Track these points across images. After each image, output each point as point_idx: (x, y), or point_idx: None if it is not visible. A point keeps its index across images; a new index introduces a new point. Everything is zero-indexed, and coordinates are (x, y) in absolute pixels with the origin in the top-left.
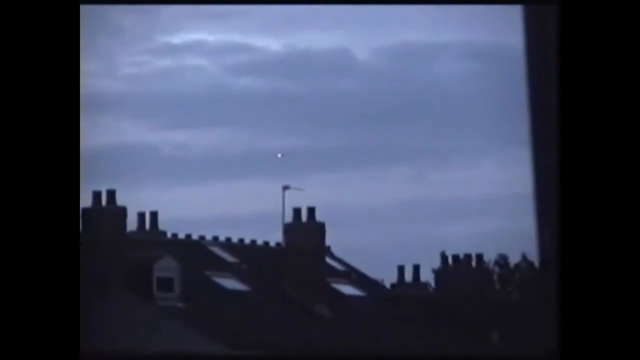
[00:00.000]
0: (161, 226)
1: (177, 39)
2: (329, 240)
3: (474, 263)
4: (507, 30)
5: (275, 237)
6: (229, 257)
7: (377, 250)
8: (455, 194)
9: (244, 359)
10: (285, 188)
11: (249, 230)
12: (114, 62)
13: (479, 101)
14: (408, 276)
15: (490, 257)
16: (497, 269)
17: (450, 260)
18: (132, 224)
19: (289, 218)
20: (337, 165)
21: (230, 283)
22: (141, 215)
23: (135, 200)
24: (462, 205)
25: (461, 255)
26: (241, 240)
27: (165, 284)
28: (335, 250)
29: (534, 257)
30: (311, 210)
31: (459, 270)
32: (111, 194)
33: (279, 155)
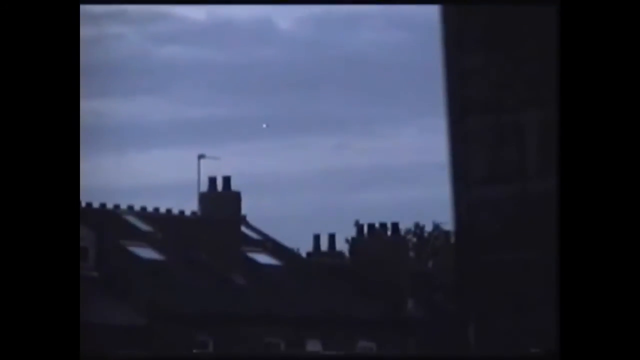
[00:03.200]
0: None
1: (98, 7)
2: (244, 210)
3: (389, 232)
4: None
5: (190, 206)
6: (144, 227)
7: (293, 220)
8: (376, 162)
9: (242, 359)
10: (201, 157)
11: (165, 200)
12: None
13: (401, 69)
14: (324, 245)
15: (406, 225)
16: (412, 238)
17: (365, 229)
18: None
19: (204, 187)
20: (258, 134)
21: (146, 252)
22: None
23: None
24: (382, 174)
25: (377, 224)
26: (156, 210)
27: (80, 254)
28: (251, 219)
29: (448, 225)
30: (227, 180)
31: (374, 239)
32: None
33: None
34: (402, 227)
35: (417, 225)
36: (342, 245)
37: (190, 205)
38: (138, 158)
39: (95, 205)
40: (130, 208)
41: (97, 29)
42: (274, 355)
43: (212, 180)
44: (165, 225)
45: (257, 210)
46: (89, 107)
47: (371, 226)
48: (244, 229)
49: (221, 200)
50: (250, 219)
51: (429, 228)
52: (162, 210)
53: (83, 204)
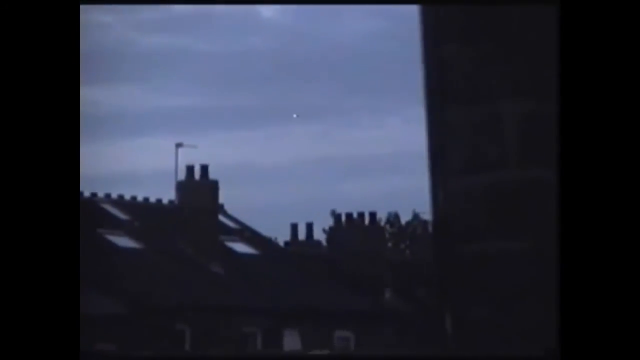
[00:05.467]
0: None
1: None
2: (222, 198)
3: (367, 221)
4: None
5: (168, 194)
6: (121, 215)
7: (272, 209)
8: (358, 152)
9: (244, 359)
10: (179, 145)
11: (143, 188)
12: None
13: (384, 59)
14: (302, 234)
15: (384, 215)
16: (390, 228)
17: (343, 218)
18: None
19: (182, 176)
20: (240, 123)
21: (123, 241)
22: None
23: None
24: (363, 163)
25: (354, 214)
26: (134, 198)
27: None
28: (228, 208)
29: (427, 215)
30: (204, 168)
31: (351, 229)
32: None
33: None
34: (380, 216)
35: (395, 215)
36: (320, 235)
37: (167, 194)
38: (117, 146)
39: None
40: (108, 196)
41: (82, 17)
42: (276, 355)
43: (190, 169)
44: (143, 213)
45: (234, 199)
46: None
47: (349, 215)
48: (221, 217)
49: (198, 189)
50: (228, 207)
51: (407, 218)
52: (140, 198)
53: None
